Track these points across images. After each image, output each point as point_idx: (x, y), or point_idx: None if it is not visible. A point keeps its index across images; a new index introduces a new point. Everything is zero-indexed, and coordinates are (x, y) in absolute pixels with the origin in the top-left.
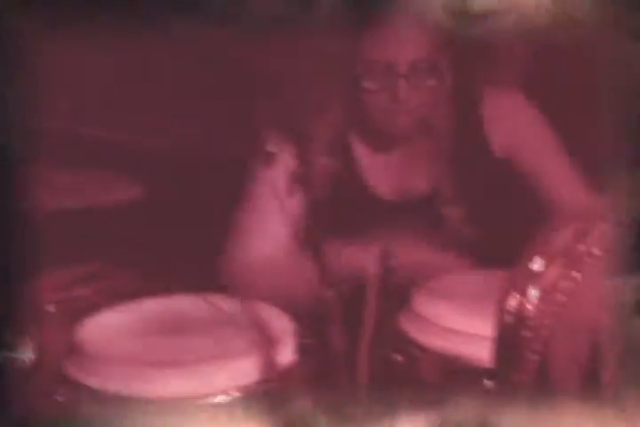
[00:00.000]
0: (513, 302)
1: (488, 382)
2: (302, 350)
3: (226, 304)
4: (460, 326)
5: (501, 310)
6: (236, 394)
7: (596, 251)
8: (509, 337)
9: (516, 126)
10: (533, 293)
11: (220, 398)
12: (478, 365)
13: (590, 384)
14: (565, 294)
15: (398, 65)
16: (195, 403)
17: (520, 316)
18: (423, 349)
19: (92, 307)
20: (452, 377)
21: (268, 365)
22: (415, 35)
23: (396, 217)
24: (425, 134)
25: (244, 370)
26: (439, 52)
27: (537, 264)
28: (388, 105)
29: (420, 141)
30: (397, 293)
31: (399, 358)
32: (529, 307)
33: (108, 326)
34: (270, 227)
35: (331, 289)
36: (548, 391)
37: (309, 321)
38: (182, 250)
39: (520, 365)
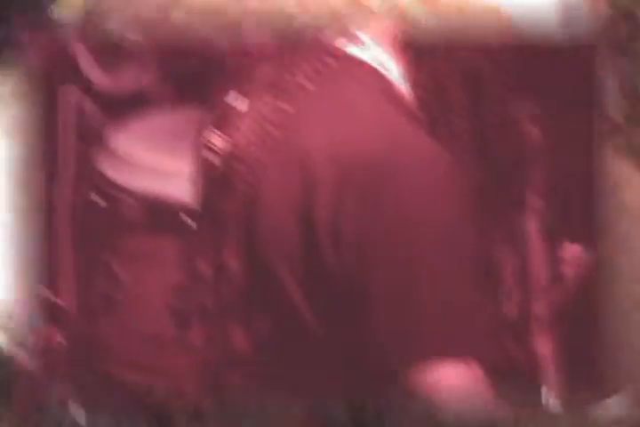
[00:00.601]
0: (213, 136)
1: (189, 220)
2: None
3: None
4: (158, 164)
5: (201, 144)
6: None
7: (306, 83)
8: (214, 170)
9: None
10: (237, 125)
11: None
12: (181, 203)
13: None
14: (276, 127)
15: None
16: None
17: (224, 149)
18: (123, 189)
19: None
20: (157, 218)
21: None
22: None
23: None
24: None
25: None
26: None
27: (235, 98)
28: None
29: None
30: (94, 132)
31: (101, 201)
32: (233, 140)
33: None
34: None
35: None
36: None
37: None
38: None
39: (228, 198)
